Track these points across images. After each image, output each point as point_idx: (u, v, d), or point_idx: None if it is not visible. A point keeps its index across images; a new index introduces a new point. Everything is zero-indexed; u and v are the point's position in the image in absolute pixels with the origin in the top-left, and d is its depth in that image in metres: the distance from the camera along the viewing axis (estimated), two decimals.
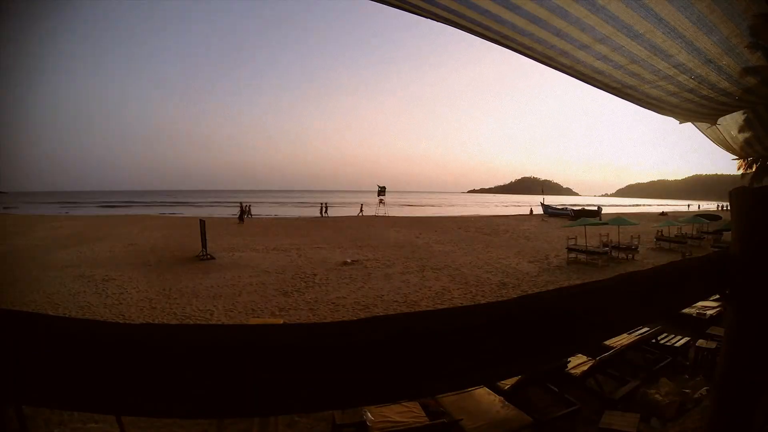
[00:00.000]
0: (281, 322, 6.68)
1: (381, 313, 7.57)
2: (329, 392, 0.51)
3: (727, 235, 17.75)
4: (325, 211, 38.63)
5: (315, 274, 11.44)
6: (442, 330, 0.57)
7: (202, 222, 14.88)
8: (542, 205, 46.61)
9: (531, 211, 51.61)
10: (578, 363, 4.87)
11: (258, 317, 7.71)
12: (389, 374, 0.53)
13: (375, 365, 0.52)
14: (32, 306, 8.06)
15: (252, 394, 0.48)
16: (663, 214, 46.71)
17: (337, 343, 0.51)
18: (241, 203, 35.21)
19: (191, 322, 7.19)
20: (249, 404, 0.48)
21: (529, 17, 1.37)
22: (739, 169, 3.19)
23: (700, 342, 5.76)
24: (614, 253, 14.90)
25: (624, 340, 5.52)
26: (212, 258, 13.64)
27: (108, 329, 0.47)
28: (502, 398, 4.21)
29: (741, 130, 2.83)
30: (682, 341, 5.84)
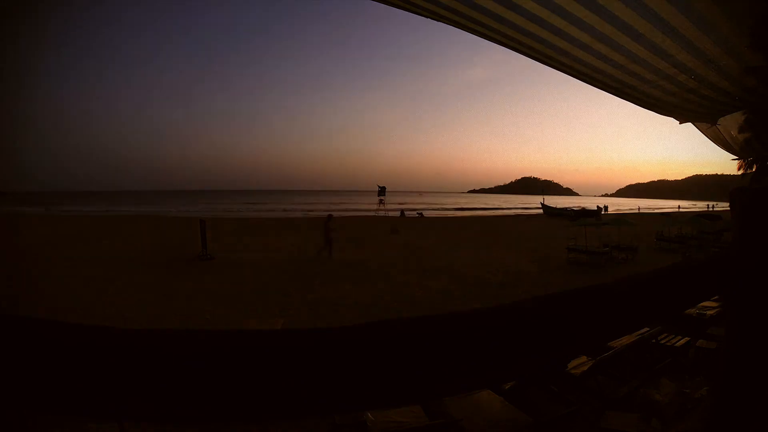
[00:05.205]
0: (281, 323, 6.69)
1: (381, 314, 7.58)
2: (332, 397, 0.51)
3: (728, 236, 17.75)
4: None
5: (315, 275, 11.44)
6: (445, 334, 0.57)
7: (203, 222, 14.88)
8: (542, 205, 46.67)
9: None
10: (578, 363, 4.87)
11: (258, 318, 7.71)
12: (392, 379, 0.53)
13: (377, 370, 0.52)
14: (31, 308, 8.05)
15: (254, 399, 0.48)
16: (664, 215, 46.76)
17: (339, 349, 0.51)
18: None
19: (191, 323, 7.19)
20: (251, 410, 0.48)
21: (529, 16, 1.37)
22: (739, 169, 3.20)
23: (701, 342, 5.76)
24: (614, 254, 14.89)
25: (624, 340, 5.52)
26: (212, 258, 13.64)
27: (108, 334, 0.47)
28: (502, 398, 4.21)
29: (741, 130, 2.83)
30: (682, 341, 5.84)
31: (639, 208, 74.32)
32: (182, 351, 0.47)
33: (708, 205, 69.62)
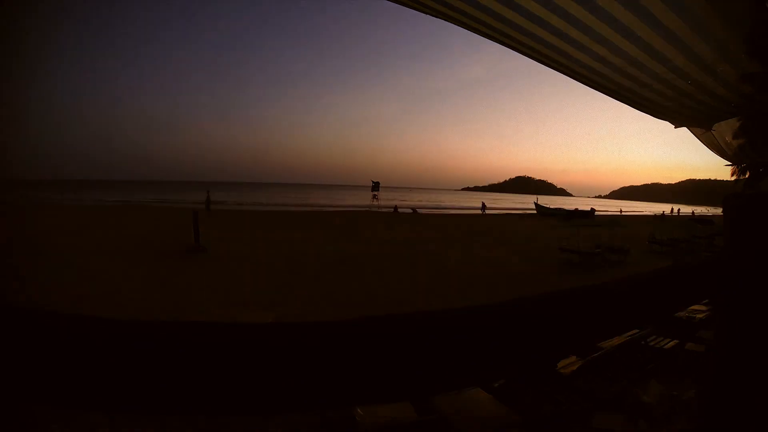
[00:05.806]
0: (272, 317, 6.68)
1: (372, 309, 7.58)
2: (323, 392, 0.51)
3: (720, 240, 17.89)
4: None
5: (307, 269, 11.43)
6: (438, 331, 0.56)
7: (195, 213, 14.80)
8: (536, 204, 46.98)
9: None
10: (567, 363, 4.90)
11: (250, 311, 7.68)
12: (384, 375, 0.53)
13: (369, 366, 0.52)
14: (20, 298, 7.97)
15: (243, 393, 0.47)
16: (655, 217, 47.10)
17: (330, 343, 0.51)
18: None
19: (183, 315, 7.16)
20: (239, 403, 0.47)
21: (529, 16, 1.36)
22: (732, 175, 3.22)
23: (689, 345, 5.81)
24: (606, 255, 14.96)
25: (614, 341, 5.56)
26: (205, 250, 13.59)
27: (97, 324, 0.46)
28: (492, 396, 4.23)
29: (735, 136, 2.85)
30: (672, 343, 5.89)
31: (624, 210, 75.17)
32: (171, 343, 0.46)
33: (692, 211, 70.42)
